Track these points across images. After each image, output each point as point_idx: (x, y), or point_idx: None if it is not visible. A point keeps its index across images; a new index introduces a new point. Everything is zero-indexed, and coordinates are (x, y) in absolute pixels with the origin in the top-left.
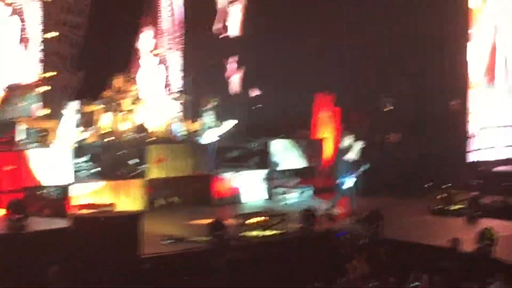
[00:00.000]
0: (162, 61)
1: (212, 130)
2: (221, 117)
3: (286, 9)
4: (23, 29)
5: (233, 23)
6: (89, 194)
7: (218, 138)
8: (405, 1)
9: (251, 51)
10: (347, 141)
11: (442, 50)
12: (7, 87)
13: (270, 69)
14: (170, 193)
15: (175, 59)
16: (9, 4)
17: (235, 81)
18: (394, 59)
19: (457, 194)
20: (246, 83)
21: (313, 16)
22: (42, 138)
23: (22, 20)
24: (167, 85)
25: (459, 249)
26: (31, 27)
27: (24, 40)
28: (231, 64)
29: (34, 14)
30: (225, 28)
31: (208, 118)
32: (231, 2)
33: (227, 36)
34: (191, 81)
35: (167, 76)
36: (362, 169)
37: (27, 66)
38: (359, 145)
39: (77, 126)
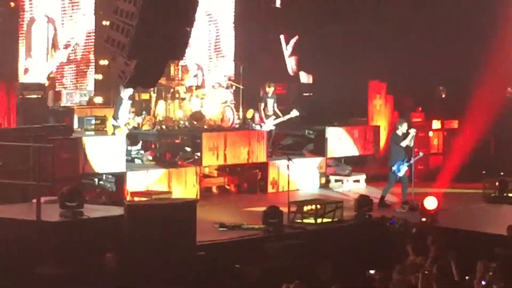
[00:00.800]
0: (217, 48)
1: (272, 118)
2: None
3: None
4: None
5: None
6: (145, 182)
7: (274, 127)
8: None
9: (305, 37)
10: (401, 128)
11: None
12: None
13: (324, 55)
14: (225, 181)
15: (229, 44)
16: None
17: (291, 64)
18: (448, 47)
19: None
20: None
21: (368, 3)
22: (98, 125)
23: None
24: (221, 72)
25: None
26: (85, 14)
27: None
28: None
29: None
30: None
31: (270, 104)
32: None
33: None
34: (241, 68)
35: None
36: (416, 157)
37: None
38: (413, 132)
39: (132, 113)
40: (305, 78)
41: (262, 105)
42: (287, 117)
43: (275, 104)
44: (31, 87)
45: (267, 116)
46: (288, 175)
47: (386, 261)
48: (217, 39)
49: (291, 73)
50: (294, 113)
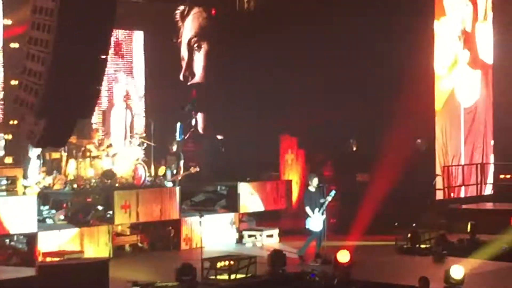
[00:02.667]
0: (127, 107)
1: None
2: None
3: (246, 49)
4: None
5: (197, 69)
6: (57, 241)
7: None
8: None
9: (214, 96)
10: (312, 183)
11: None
12: None
13: (235, 113)
14: (138, 238)
15: (139, 105)
16: None
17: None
18: (358, 100)
19: (424, 233)
20: (211, 127)
21: (278, 59)
22: (8, 186)
23: None
24: (131, 131)
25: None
26: None
27: None
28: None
29: None
30: (190, 74)
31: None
32: (194, 49)
33: (192, 82)
34: (154, 126)
35: (131, 121)
36: (328, 200)
37: None
38: (333, 194)
39: (43, 173)
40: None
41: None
42: (186, 173)
43: (181, 161)
44: None
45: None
46: (200, 231)
47: None
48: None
49: (201, 131)
50: (194, 169)
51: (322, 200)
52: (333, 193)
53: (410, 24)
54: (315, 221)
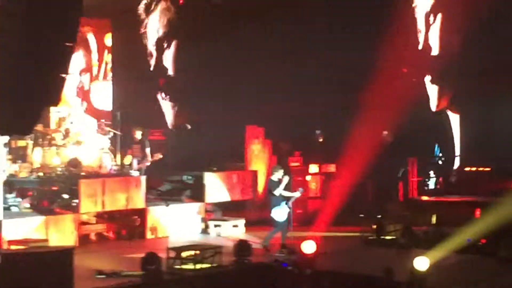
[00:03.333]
0: (95, 94)
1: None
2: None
3: (214, 39)
4: None
5: (167, 63)
6: (22, 229)
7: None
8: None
9: (183, 86)
10: (276, 174)
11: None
12: None
13: (202, 102)
14: (103, 227)
15: (107, 93)
16: None
17: (168, 116)
18: (325, 91)
19: (389, 224)
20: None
21: (244, 47)
22: None
23: None
24: (98, 119)
25: (393, 278)
26: None
27: None
28: (164, 99)
29: None
30: (160, 69)
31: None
32: (164, 47)
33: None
34: (120, 115)
35: (98, 109)
36: (295, 196)
37: None
38: (286, 180)
39: (9, 161)
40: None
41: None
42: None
43: (147, 149)
44: None
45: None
46: (166, 221)
47: None
48: None
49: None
50: (157, 156)
51: (287, 194)
52: (301, 190)
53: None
54: (281, 211)
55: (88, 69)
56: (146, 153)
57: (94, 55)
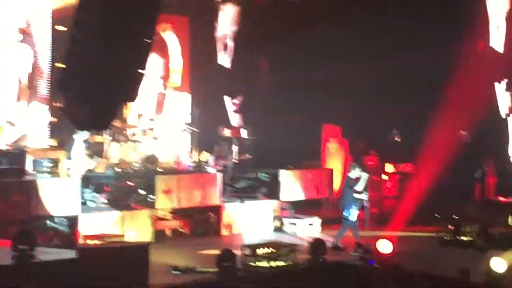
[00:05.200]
0: (172, 93)
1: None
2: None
3: (292, 39)
4: (33, 58)
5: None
6: (98, 224)
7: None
8: (413, 34)
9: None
10: (354, 172)
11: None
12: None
13: (279, 99)
14: (178, 224)
15: (183, 91)
16: (23, 31)
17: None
18: (402, 90)
19: (465, 225)
20: (255, 114)
21: (321, 47)
22: (52, 168)
23: (33, 48)
24: (175, 116)
25: (469, 280)
26: (40, 56)
27: (34, 70)
28: (238, 100)
29: (45, 44)
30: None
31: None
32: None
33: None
34: (198, 113)
35: (176, 107)
36: (362, 198)
37: (36, 97)
38: (365, 176)
39: (86, 156)
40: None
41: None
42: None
43: (233, 146)
44: None
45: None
46: (241, 218)
47: None
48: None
49: (235, 123)
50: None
51: (361, 196)
52: (366, 194)
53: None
54: (352, 210)
55: (166, 75)
56: (233, 151)
57: (175, 58)
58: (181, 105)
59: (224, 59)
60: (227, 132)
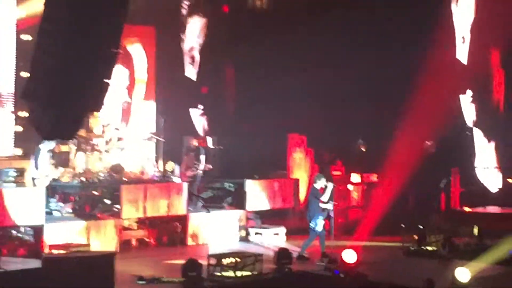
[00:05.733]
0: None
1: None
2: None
3: (257, 49)
4: None
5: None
6: (64, 234)
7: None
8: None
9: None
10: (319, 182)
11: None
12: None
13: (244, 109)
14: (144, 233)
15: (149, 101)
16: None
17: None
18: (368, 100)
19: (430, 235)
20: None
21: (286, 57)
22: (16, 178)
23: None
24: (141, 126)
25: None
26: (4, 65)
27: None
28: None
29: (9, 52)
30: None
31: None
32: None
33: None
34: (163, 123)
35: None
36: (327, 207)
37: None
38: (330, 187)
39: (52, 165)
40: (211, 142)
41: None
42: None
43: (202, 156)
44: None
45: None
46: (207, 228)
47: None
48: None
49: (201, 133)
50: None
51: (322, 205)
52: (331, 203)
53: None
54: (318, 221)
55: (132, 86)
56: (201, 161)
57: (141, 69)
58: (147, 115)
59: (191, 71)
60: (194, 142)
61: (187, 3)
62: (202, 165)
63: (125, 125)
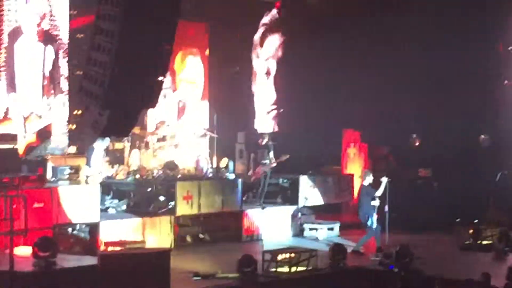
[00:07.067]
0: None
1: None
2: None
3: (314, 44)
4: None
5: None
6: (119, 231)
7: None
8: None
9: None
10: (368, 178)
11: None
12: (38, 132)
13: (300, 106)
14: (199, 230)
15: (201, 97)
16: (41, 36)
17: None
18: (422, 95)
19: (486, 229)
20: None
21: (341, 53)
22: (72, 175)
23: (53, 54)
24: (194, 123)
25: (490, 284)
26: (59, 63)
27: (53, 76)
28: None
29: (63, 49)
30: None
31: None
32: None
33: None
34: (217, 118)
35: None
36: (374, 204)
37: (55, 104)
38: (385, 181)
39: (106, 163)
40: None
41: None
42: (277, 161)
43: (271, 152)
44: (4, 137)
45: (263, 165)
46: (261, 223)
47: None
48: None
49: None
50: (284, 157)
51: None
52: (377, 200)
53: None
54: (375, 217)
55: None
56: (271, 157)
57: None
58: (201, 113)
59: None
60: (265, 139)
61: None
62: (272, 162)
63: (179, 122)
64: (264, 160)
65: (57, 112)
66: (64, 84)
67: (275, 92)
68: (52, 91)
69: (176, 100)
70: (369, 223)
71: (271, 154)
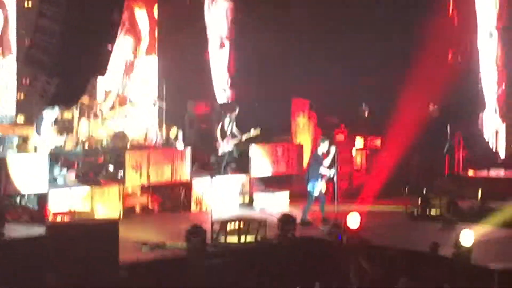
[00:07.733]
0: (139, 67)
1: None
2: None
3: (267, 13)
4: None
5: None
6: (67, 201)
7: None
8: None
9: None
10: (323, 145)
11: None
12: None
13: (248, 71)
14: (148, 200)
15: (151, 65)
16: None
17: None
18: (372, 64)
19: (434, 199)
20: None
21: (294, 21)
22: (20, 145)
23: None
24: (144, 91)
25: (438, 253)
26: (6, 33)
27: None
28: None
29: (10, 20)
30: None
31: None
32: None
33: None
34: (166, 87)
35: (144, 82)
36: (327, 174)
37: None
38: (333, 150)
39: (55, 132)
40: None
41: (220, 125)
42: (245, 136)
43: (233, 124)
44: None
45: (224, 137)
46: (210, 193)
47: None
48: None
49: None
50: (255, 132)
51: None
52: (333, 171)
53: None
54: (316, 185)
55: (136, 44)
56: (237, 130)
57: (143, 30)
58: (148, 72)
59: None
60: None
61: None
62: (242, 137)
63: (128, 82)
64: (234, 133)
65: (5, 80)
66: (13, 52)
67: (229, 60)
68: (1, 57)
69: (123, 59)
70: (309, 188)
71: (235, 126)
